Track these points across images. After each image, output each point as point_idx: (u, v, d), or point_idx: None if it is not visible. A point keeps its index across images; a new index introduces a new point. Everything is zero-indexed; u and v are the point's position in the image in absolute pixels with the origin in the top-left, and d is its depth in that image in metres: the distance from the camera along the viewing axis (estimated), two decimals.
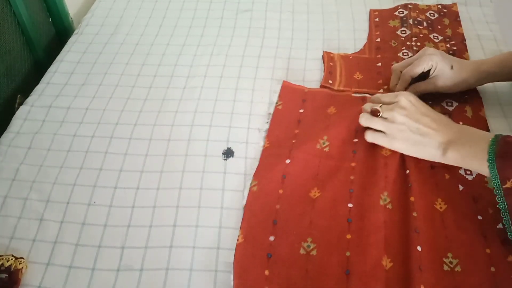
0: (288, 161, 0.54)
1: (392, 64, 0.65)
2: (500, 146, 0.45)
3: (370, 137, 0.54)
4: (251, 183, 0.53)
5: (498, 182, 0.44)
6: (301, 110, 0.61)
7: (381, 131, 0.53)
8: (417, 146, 0.51)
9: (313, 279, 0.44)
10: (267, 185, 0.52)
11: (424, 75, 0.60)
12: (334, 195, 0.50)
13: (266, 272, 0.45)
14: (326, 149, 0.55)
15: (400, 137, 0.51)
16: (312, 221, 0.48)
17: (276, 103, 0.62)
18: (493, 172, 0.44)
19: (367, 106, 0.56)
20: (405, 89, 0.61)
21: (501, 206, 0.44)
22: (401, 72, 0.61)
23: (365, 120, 0.54)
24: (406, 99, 0.52)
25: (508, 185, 0.43)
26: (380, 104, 0.54)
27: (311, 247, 0.47)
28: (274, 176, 0.53)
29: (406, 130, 0.51)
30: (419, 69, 0.59)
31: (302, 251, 0.46)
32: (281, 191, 0.51)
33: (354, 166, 0.53)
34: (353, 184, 0.51)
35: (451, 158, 0.48)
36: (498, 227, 0.47)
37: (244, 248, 0.47)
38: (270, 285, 0.44)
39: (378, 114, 0.53)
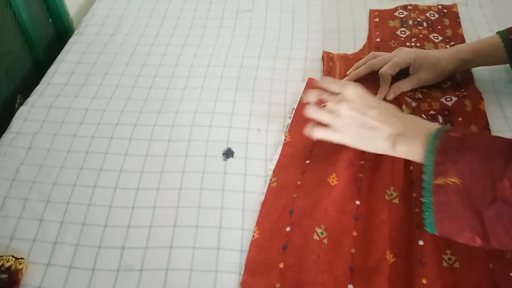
0: (308, 161, 0.55)
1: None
2: (443, 139, 0.43)
3: (319, 133, 0.50)
4: (270, 180, 0.53)
5: (431, 176, 0.42)
6: None
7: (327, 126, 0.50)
8: (366, 140, 0.48)
9: (323, 266, 0.45)
10: (286, 179, 0.53)
11: (402, 73, 0.61)
12: (343, 191, 0.51)
13: (281, 265, 0.46)
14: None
15: (348, 131, 0.49)
16: (327, 208, 0.49)
17: (301, 97, 0.62)
18: (429, 164, 0.42)
19: (312, 96, 0.52)
20: (388, 88, 0.61)
21: (426, 201, 0.42)
22: (373, 69, 0.62)
23: (312, 111, 0.51)
24: (352, 91, 0.49)
25: (438, 181, 0.41)
26: (328, 93, 0.51)
27: (324, 235, 0.47)
28: (293, 172, 0.54)
29: (353, 124, 0.48)
30: (398, 67, 0.60)
31: (315, 237, 0.47)
32: (299, 182, 0.52)
33: (363, 164, 0.54)
34: (361, 182, 0.52)
35: (400, 151, 0.46)
36: None
37: (260, 243, 0.48)
38: (283, 279, 0.45)
39: (324, 105, 0.50)
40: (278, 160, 0.55)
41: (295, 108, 0.62)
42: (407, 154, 0.46)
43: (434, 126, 0.46)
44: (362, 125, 0.47)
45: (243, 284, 0.45)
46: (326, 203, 0.49)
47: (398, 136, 0.46)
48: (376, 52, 0.65)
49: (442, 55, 0.60)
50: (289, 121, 0.60)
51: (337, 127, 0.49)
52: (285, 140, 0.58)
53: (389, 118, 0.48)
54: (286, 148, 0.57)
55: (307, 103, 0.55)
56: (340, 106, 0.48)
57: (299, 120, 0.60)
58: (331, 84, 0.52)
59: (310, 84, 0.65)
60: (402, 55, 0.60)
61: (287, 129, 0.59)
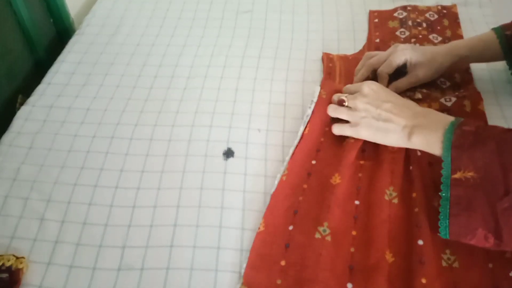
0: (314, 162, 0.55)
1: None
2: (457, 135, 0.44)
3: (337, 129, 0.55)
4: (284, 171, 0.54)
5: (449, 171, 0.43)
6: None
7: (347, 122, 0.54)
8: (381, 132, 0.51)
9: (324, 264, 0.45)
10: (294, 178, 0.53)
11: (400, 71, 0.61)
12: (343, 191, 0.51)
13: (283, 263, 0.46)
14: (352, 140, 0.55)
15: (364, 125, 0.52)
16: (330, 205, 0.49)
17: (321, 93, 0.62)
18: (447, 161, 0.44)
19: (336, 97, 0.56)
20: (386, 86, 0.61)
21: (443, 195, 0.43)
22: (374, 68, 0.62)
23: (332, 110, 0.55)
24: (368, 87, 0.53)
25: (457, 175, 0.43)
26: (346, 94, 0.55)
27: (327, 232, 0.47)
28: (301, 172, 0.54)
29: (368, 116, 0.51)
30: (394, 65, 0.60)
31: (317, 235, 0.47)
32: (305, 186, 0.52)
33: (362, 164, 0.54)
34: (360, 182, 0.52)
35: (416, 142, 0.48)
36: None
37: (264, 237, 0.48)
38: (284, 277, 0.45)
39: (344, 103, 0.54)
40: (293, 152, 0.55)
41: (314, 101, 0.61)
42: (423, 145, 0.48)
43: (449, 119, 0.47)
44: (376, 118, 0.51)
45: (246, 277, 0.45)
46: (329, 202, 0.49)
47: (414, 128, 0.48)
48: (371, 52, 0.65)
49: (439, 51, 0.60)
50: (310, 111, 0.59)
51: (354, 121, 0.53)
52: (304, 131, 0.57)
53: (404, 110, 0.50)
54: (301, 142, 0.56)
55: (323, 99, 0.59)
56: (356, 101, 0.52)
57: (315, 116, 0.60)
58: (351, 86, 0.57)
59: (326, 84, 0.65)
60: (398, 53, 0.60)
61: (307, 120, 0.58)
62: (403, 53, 0.59)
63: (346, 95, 0.55)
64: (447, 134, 0.45)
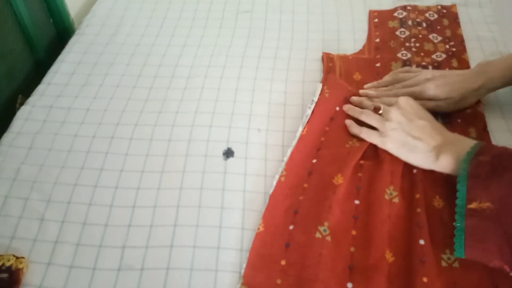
0: (314, 160, 0.55)
1: (391, 65, 0.67)
2: (473, 165, 0.44)
3: (364, 134, 0.55)
4: (281, 172, 0.54)
5: (463, 201, 0.43)
6: (337, 108, 0.61)
7: (376, 130, 0.54)
8: (408, 148, 0.50)
9: (325, 264, 0.45)
10: (294, 178, 0.53)
11: None
12: (343, 191, 0.51)
13: (283, 262, 0.46)
14: (357, 144, 0.56)
15: (392, 136, 0.51)
16: (331, 205, 0.49)
17: (323, 90, 0.62)
18: (462, 190, 0.43)
19: (370, 104, 0.57)
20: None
21: (458, 225, 0.43)
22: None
23: (366, 116, 0.55)
24: (406, 101, 0.53)
25: (472, 206, 0.42)
26: (382, 105, 0.55)
27: (327, 232, 0.47)
28: (301, 172, 0.54)
29: (399, 129, 0.51)
30: (423, 97, 0.57)
31: (318, 235, 0.47)
32: (306, 185, 0.52)
33: (362, 164, 0.54)
34: (360, 181, 0.52)
35: (444, 164, 0.47)
36: None
37: (264, 237, 0.48)
38: (284, 277, 0.45)
39: (380, 112, 0.54)
40: (291, 153, 0.55)
41: (315, 100, 0.61)
42: (449, 168, 0.47)
43: (468, 147, 0.46)
44: (407, 133, 0.50)
45: (246, 277, 0.45)
46: (330, 202, 0.49)
47: (442, 147, 0.48)
48: (400, 71, 0.62)
49: (471, 89, 0.56)
50: (309, 111, 0.60)
51: (384, 130, 0.52)
52: (302, 132, 0.57)
53: (434, 131, 0.50)
54: (300, 143, 0.56)
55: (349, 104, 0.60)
56: (391, 110, 0.52)
57: (317, 114, 0.60)
58: (388, 99, 0.56)
59: (331, 80, 0.65)
60: (431, 88, 0.56)
61: (306, 121, 0.59)
62: (436, 88, 0.56)
63: (382, 105, 0.55)
64: (463, 164, 0.44)
